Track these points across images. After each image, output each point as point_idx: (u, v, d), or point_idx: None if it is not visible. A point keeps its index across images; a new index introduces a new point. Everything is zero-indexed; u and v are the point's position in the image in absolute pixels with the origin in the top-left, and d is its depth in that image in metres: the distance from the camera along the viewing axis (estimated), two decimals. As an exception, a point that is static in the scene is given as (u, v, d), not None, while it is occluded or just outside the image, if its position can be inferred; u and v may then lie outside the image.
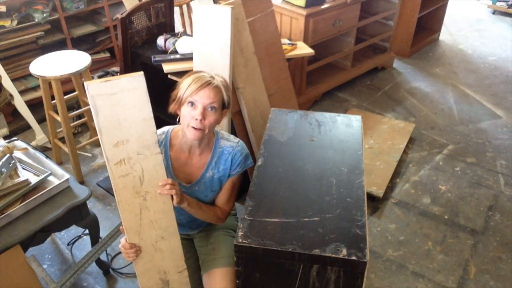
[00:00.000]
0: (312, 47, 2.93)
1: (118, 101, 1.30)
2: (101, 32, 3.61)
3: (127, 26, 2.57)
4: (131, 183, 1.38)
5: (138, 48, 2.67)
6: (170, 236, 1.49)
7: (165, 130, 1.63)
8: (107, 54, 3.71)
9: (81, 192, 1.89)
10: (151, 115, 1.34)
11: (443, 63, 4.36)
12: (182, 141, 1.59)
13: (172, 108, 1.54)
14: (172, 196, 1.42)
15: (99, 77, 3.20)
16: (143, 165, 1.38)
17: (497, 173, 2.91)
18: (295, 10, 3.06)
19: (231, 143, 1.64)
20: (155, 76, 2.37)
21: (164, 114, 1.77)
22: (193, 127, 1.48)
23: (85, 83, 1.28)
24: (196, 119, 1.46)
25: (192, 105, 1.47)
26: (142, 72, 1.31)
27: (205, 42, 2.09)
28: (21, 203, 1.77)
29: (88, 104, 2.74)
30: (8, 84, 2.87)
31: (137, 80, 1.30)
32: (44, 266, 2.21)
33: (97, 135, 2.94)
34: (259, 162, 1.66)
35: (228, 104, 1.57)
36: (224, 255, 1.68)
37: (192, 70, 1.61)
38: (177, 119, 1.58)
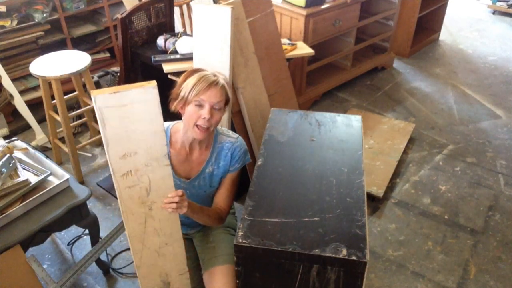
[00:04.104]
0: (312, 47, 2.93)
1: (128, 113, 1.20)
2: (101, 32, 3.61)
3: (127, 26, 2.57)
4: (137, 193, 1.33)
5: (138, 48, 2.67)
6: (174, 242, 1.48)
7: (165, 127, 1.63)
8: (107, 54, 3.71)
9: (81, 192, 1.89)
10: (162, 127, 1.28)
11: (443, 63, 4.36)
12: (184, 137, 1.60)
13: (174, 106, 1.55)
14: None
15: (99, 77, 3.20)
16: (151, 176, 1.32)
17: (497, 173, 2.90)
18: (295, 10, 3.06)
19: (230, 139, 1.65)
20: (155, 76, 2.36)
21: (164, 115, 1.76)
22: (200, 126, 1.49)
23: (92, 95, 1.17)
24: (204, 118, 1.47)
25: (199, 105, 1.48)
26: (155, 82, 1.21)
27: (205, 42, 2.09)
28: (21, 203, 1.77)
29: (89, 104, 2.77)
30: (8, 84, 2.87)
31: (149, 92, 1.20)
32: (44, 266, 2.21)
33: (97, 135, 2.95)
34: (259, 162, 1.66)
35: (229, 100, 1.58)
36: (224, 253, 1.68)
37: (192, 68, 1.61)
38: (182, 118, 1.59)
